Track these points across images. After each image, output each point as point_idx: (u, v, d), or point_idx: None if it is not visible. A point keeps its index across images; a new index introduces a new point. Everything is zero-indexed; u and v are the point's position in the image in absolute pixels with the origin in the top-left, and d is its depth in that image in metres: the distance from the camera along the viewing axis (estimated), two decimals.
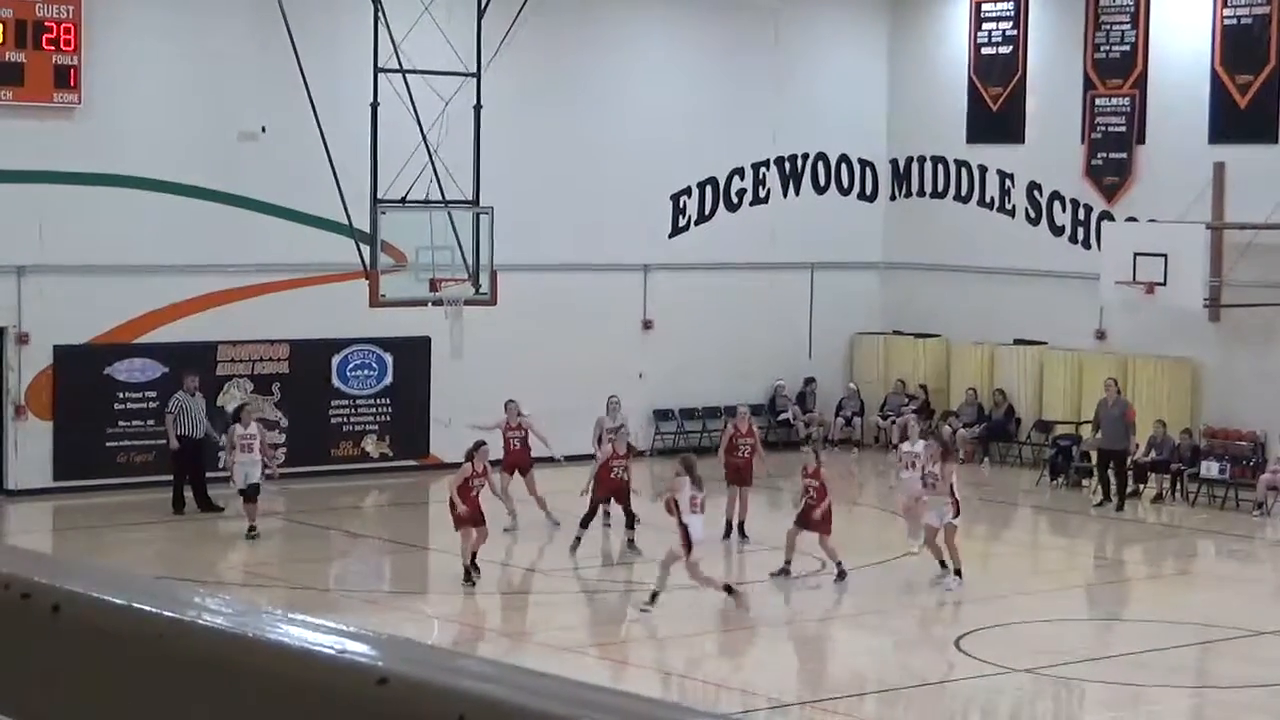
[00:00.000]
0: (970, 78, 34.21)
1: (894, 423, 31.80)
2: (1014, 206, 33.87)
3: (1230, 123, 30.53)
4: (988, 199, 34.29)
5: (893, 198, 35.66)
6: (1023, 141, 33.54)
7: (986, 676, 18.95)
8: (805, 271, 34.69)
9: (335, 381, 30.09)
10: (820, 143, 34.88)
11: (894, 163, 35.55)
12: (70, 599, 2.01)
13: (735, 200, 34.17)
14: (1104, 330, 32.33)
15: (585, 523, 24.25)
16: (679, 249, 33.37)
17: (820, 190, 35.09)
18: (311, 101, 24.83)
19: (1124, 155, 32.11)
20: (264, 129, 28.78)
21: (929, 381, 34.38)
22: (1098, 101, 32.39)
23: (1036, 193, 33.52)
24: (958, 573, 22.60)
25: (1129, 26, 31.93)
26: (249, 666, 1.87)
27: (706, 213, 33.88)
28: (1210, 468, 29.02)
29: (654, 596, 20.92)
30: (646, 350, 32.92)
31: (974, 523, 25.85)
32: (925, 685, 18.88)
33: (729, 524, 25.31)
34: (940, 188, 35.01)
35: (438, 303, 25.42)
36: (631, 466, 24.77)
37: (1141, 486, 29.29)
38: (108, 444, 28.14)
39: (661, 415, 33.15)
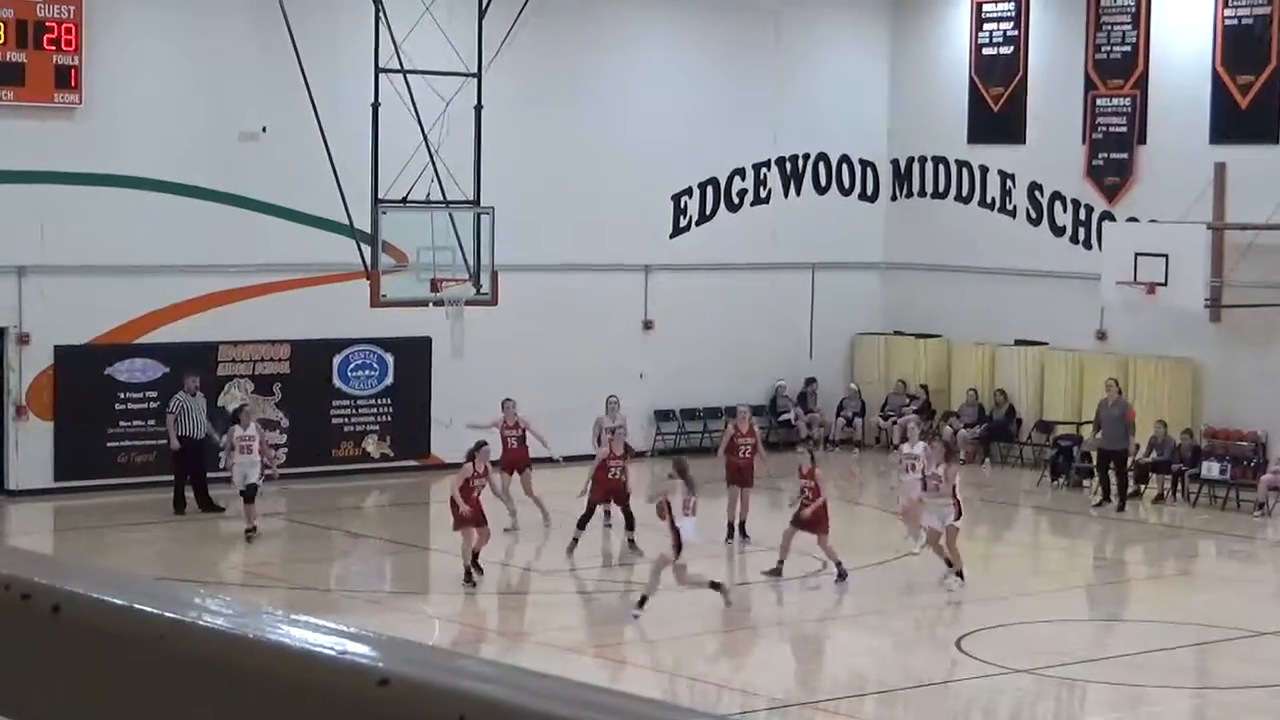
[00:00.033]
0: (971, 78, 34.22)
1: (895, 423, 31.80)
2: (1015, 207, 33.87)
3: (1231, 123, 30.53)
4: (989, 199, 34.30)
5: (894, 198, 35.67)
6: (1024, 142, 33.55)
7: (987, 677, 18.95)
8: (806, 272, 34.71)
9: (336, 382, 30.10)
10: (821, 143, 34.89)
11: (895, 163, 35.56)
12: (71, 600, 2.01)
13: (736, 200, 34.18)
14: (1105, 331, 32.33)
15: (582, 524, 24.22)
16: (680, 249, 33.38)
17: (821, 191, 35.10)
18: (312, 101, 24.84)
19: (1125, 155, 32.12)
20: (265, 129, 28.79)
21: (930, 382, 34.39)
22: (1099, 102, 32.40)
23: (1037, 193, 33.53)
24: (959, 574, 22.61)
25: (1130, 27, 31.94)
26: (250, 667, 1.86)
27: (707, 213, 33.89)
28: (1211, 468, 29.03)
29: (643, 600, 20.90)
30: (647, 350, 32.93)
31: (975, 523, 25.84)
32: (926, 686, 18.88)
33: (731, 525, 25.29)
34: (941, 188, 35.02)
35: (439, 303, 25.44)
36: (628, 467, 24.73)
37: (1142, 487, 29.30)
38: (109, 444, 28.15)
39: (662, 416, 33.15)
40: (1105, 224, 31.64)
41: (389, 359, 30.43)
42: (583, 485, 24.50)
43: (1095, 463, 29.43)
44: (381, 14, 24.94)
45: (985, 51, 34.05)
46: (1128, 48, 31.99)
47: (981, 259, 33.85)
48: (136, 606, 1.97)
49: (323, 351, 29.87)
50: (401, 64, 24.91)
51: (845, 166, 35.34)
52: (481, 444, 23.25)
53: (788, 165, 34.70)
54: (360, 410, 30.32)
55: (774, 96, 34.21)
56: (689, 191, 33.69)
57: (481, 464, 22.80)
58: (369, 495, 29.59)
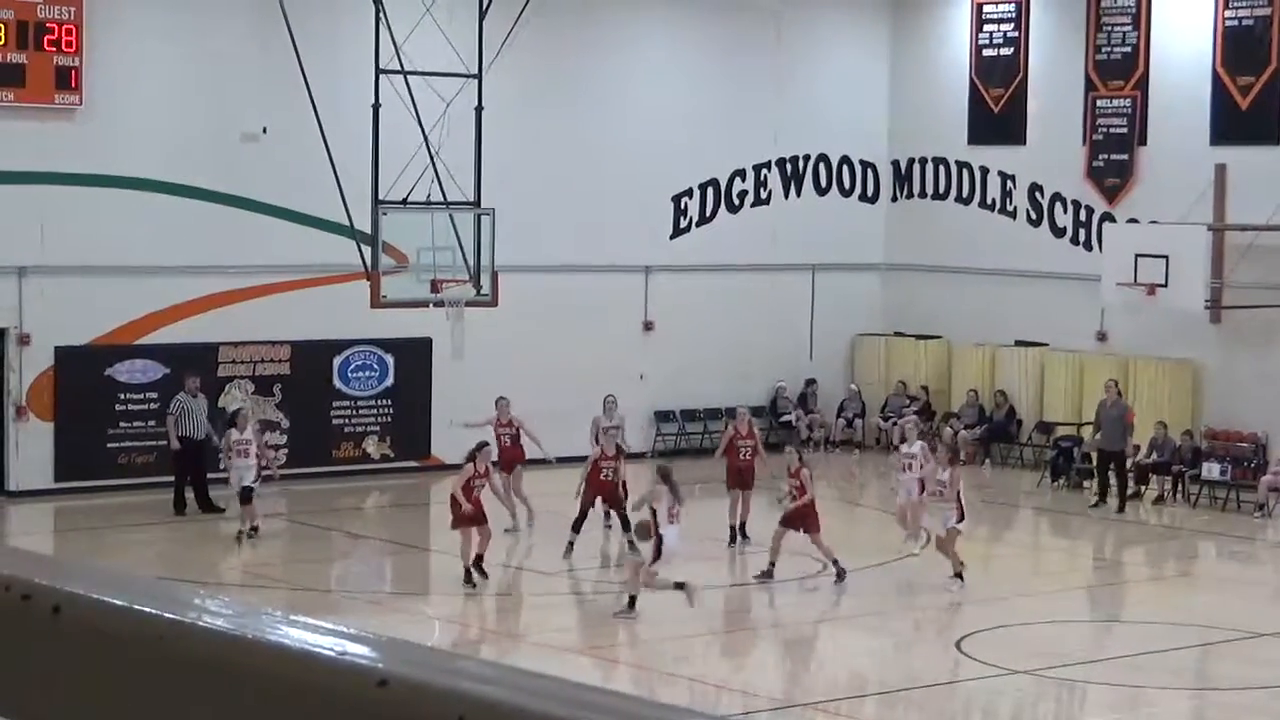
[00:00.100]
0: (971, 79, 34.22)
1: (895, 424, 31.79)
2: (1015, 208, 33.87)
3: (1231, 124, 30.53)
4: (989, 200, 34.30)
5: (894, 199, 35.67)
6: (1024, 143, 33.55)
7: (987, 678, 18.95)
8: (806, 273, 34.70)
9: (336, 382, 30.10)
10: (821, 144, 34.89)
11: (895, 164, 35.56)
12: (71, 600, 2.01)
13: (736, 201, 34.18)
14: (1105, 332, 32.33)
15: (577, 526, 24.14)
16: (680, 250, 33.38)
17: (821, 191, 35.10)
18: (313, 102, 24.84)
19: (1125, 157, 32.12)
20: (265, 130, 28.79)
21: (930, 383, 34.39)
22: (1099, 103, 32.39)
23: (1038, 194, 33.53)
24: (959, 575, 22.61)
25: (1130, 28, 31.94)
26: (249, 668, 1.87)
27: (708, 214, 33.89)
28: (1211, 469, 29.03)
29: (632, 601, 20.89)
30: (647, 351, 32.93)
31: (975, 524, 25.81)
32: (926, 686, 18.87)
33: (733, 529, 25.23)
34: (941, 189, 35.02)
35: (439, 304, 25.44)
36: (620, 468, 24.65)
37: (1143, 488, 29.30)
38: (109, 445, 28.15)
39: (663, 416, 33.15)
40: (1105, 225, 31.64)
41: (389, 360, 30.43)
42: (577, 487, 24.44)
43: (1095, 464, 29.44)
44: (382, 15, 24.94)
45: (985, 52, 34.05)
46: (1128, 49, 31.99)
47: (982, 260, 33.85)
48: (136, 607, 1.97)
49: (323, 352, 29.87)
50: (402, 65, 24.91)
51: (846, 167, 35.34)
52: (483, 444, 23.27)
53: (788, 166, 34.70)
54: (360, 411, 30.32)
55: (774, 97, 34.21)
56: (689, 192, 33.68)
57: (483, 464, 22.81)
58: (369, 496, 29.59)
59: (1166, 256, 28.82)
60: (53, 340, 27.74)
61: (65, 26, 27.23)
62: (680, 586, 20.69)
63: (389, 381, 30.49)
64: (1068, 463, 30.58)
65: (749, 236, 33.90)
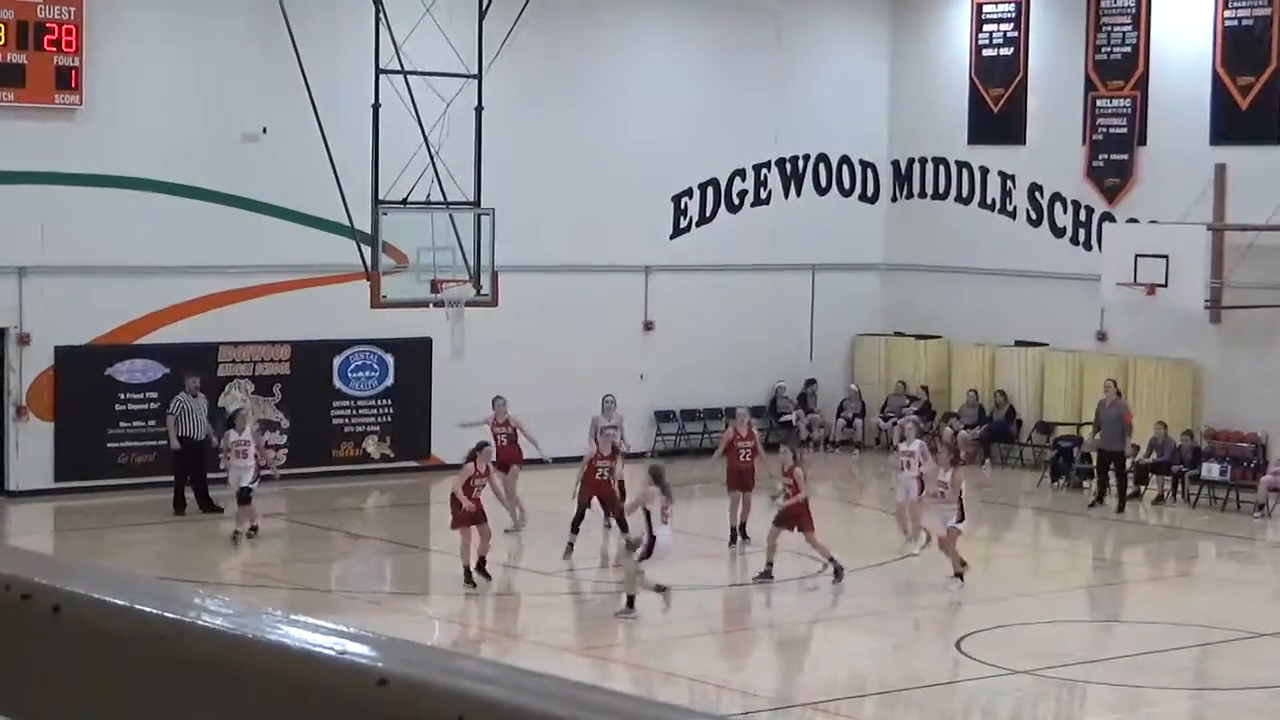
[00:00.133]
0: (971, 79, 34.22)
1: (895, 424, 31.79)
2: (1015, 208, 33.87)
3: (1231, 124, 30.53)
4: (989, 200, 34.30)
5: (894, 199, 35.67)
6: (1024, 143, 33.55)
7: (987, 678, 18.95)
8: (806, 273, 34.70)
9: (336, 382, 30.10)
10: (821, 144, 34.89)
11: (895, 164, 35.56)
12: (71, 600, 2.01)
13: (736, 201, 34.18)
14: (1105, 332, 32.33)
15: (575, 526, 24.15)
16: (680, 250, 33.38)
17: (821, 191, 35.10)
18: (313, 102, 24.84)
19: (1125, 157, 32.12)
20: (265, 130, 28.79)
21: (930, 383, 34.39)
22: (1099, 103, 32.39)
23: (1038, 194, 33.53)
24: (959, 575, 22.61)
25: (1130, 28, 31.94)
26: (249, 668, 1.87)
27: (708, 214, 33.89)
28: (1211, 469, 29.03)
29: (631, 601, 20.89)
30: (647, 351, 32.93)
31: (975, 524, 25.81)
32: (925, 686, 18.87)
33: (733, 529, 25.23)
34: (941, 189, 35.02)
35: (439, 304, 25.44)
36: (616, 467, 24.63)
37: (1142, 488, 29.30)
38: (109, 445, 28.15)
39: (663, 416, 33.15)
40: (1105, 225, 31.64)
41: (389, 360, 30.43)
42: (574, 487, 24.43)
43: (1095, 464, 29.44)
44: (382, 15, 24.94)
45: (985, 52, 34.05)
46: (1128, 49, 31.99)
47: (982, 260, 33.85)
48: (136, 607, 1.97)
49: (323, 352, 29.87)
50: (402, 65, 24.91)
51: (845, 167, 35.34)
52: (483, 444, 23.28)
53: (788, 166, 34.70)
54: (360, 411, 30.32)
55: (774, 97, 34.21)
56: (689, 192, 33.68)
57: (483, 464, 22.80)
58: (369, 496, 29.59)
59: (1166, 256, 28.82)
60: (53, 340, 27.74)
61: (65, 26, 27.24)
62: (661, 590, 20.68)
63: (389, 381, 30.50)
64: (1068, 463, 30.59)
65: (749, 236, 33.90)
